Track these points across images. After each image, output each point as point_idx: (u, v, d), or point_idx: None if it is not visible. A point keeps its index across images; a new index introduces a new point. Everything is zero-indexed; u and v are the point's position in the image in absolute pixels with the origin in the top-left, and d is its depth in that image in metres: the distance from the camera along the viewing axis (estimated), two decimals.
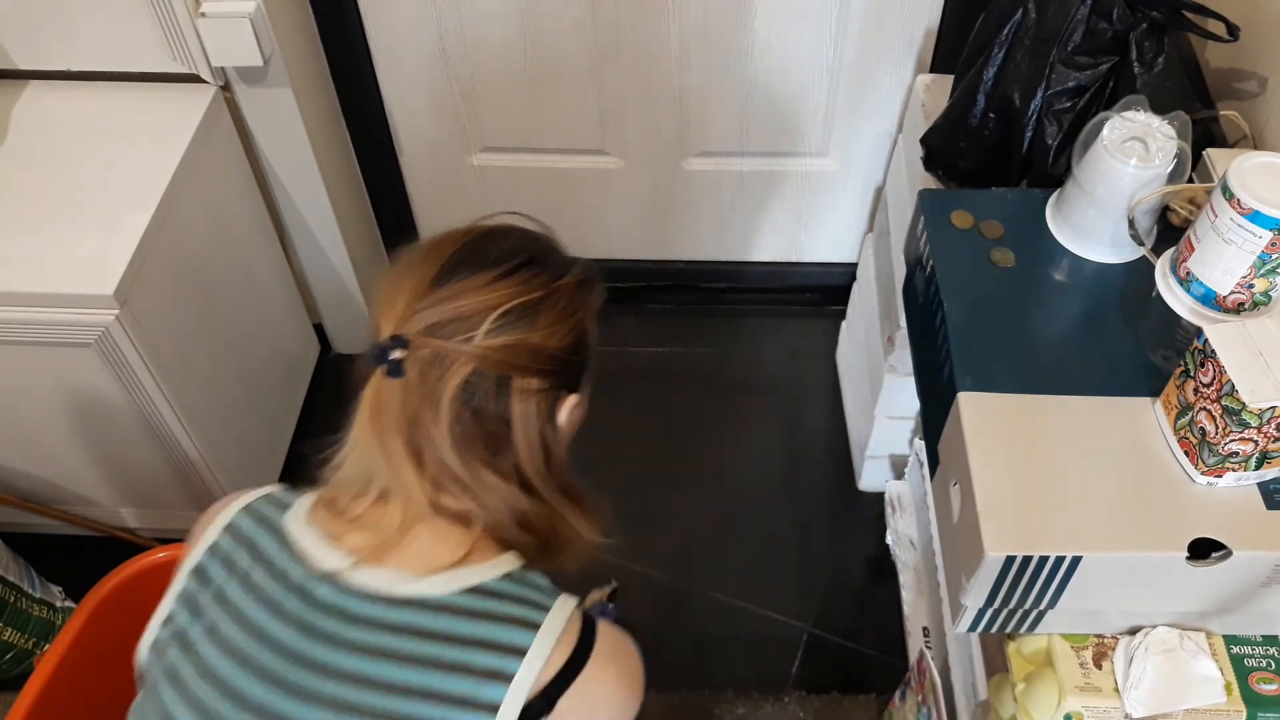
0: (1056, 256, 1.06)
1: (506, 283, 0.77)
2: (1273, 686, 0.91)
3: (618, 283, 2.02)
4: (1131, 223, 1.02)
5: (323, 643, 0.73)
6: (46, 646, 1.37)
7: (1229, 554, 0.84)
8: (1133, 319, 1.00)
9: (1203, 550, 0.84)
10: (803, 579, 1.64)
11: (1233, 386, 0.81)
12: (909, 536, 1.54)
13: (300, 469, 1.76)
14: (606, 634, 0.79)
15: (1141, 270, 1.04)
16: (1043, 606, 0.91)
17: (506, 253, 0.79)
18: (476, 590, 0.76)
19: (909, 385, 1.42)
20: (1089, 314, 1.02)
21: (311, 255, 1.73)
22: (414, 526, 0.77)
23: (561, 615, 0.76)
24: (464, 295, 0.75)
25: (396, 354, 0.74)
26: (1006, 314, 1.01)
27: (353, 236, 1.76)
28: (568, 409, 0.83)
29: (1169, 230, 1.07)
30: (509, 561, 0.79)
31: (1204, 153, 1.10)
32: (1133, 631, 0.94)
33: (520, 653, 0.72)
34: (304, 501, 0.82)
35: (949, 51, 1.56)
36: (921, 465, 1.43)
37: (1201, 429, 0.85)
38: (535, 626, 0.74)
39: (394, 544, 0.76)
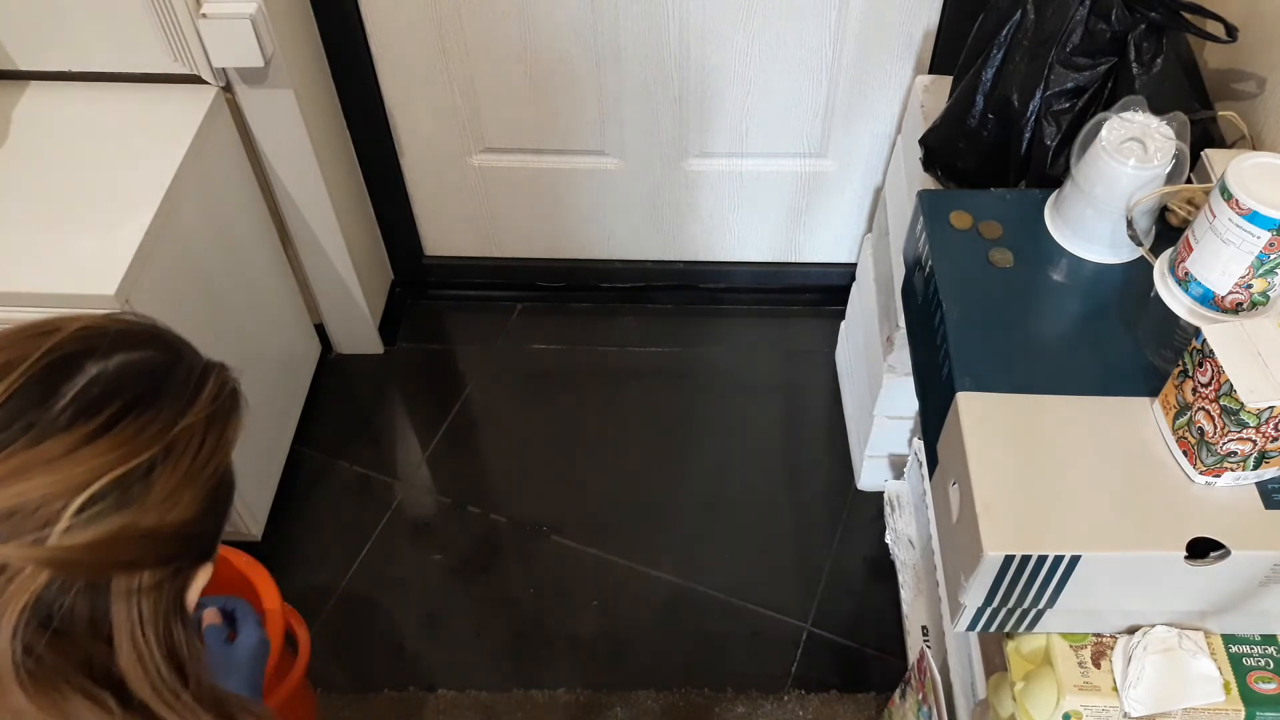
0: (1055, 257, 1.07)
1: (97, 447, 0.52)
2: (1271, 685, 0.91)
3: (618, 283, 2.02)
4: (1130, 223, 1.02)
5: None
6: None
7: (1227, 553, 0.84)
8: (1131, 319, 1.01)
9: (1201, 550, 0.85)
10: (802, 578, 1.64)
11: (1231, 386, 0.81)
12: (908, 536, 1.54)
13: (301, 470, 1.77)
14: None
15: (1140, 270, 1.05)
16: (1041, 606, 0.91)
17: (97, 393, 0.53)
18: None
19: (908, 385, 1.42)
20: (1087, 314, 1.02)
21: (313, 255, 1.73)
22: None
23: None
24: (25, 474, 0.50)
25: None
26: (1005, 314, 1.01)
27: (354, 237, 1.77)
28: (199, 586, 0.60)
29: (1167, 231, 1.07)
30: None
31: (1202, 153, 1.10)
32: (1131, 631, 0.94)
33: None
34: None
35: (948, 52, 1.56)
36: (920, 465, 1.44)
37: (1200, 429, 0.85)
38: None
39: None
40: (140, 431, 0.53)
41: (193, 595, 0.59)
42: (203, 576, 0.60)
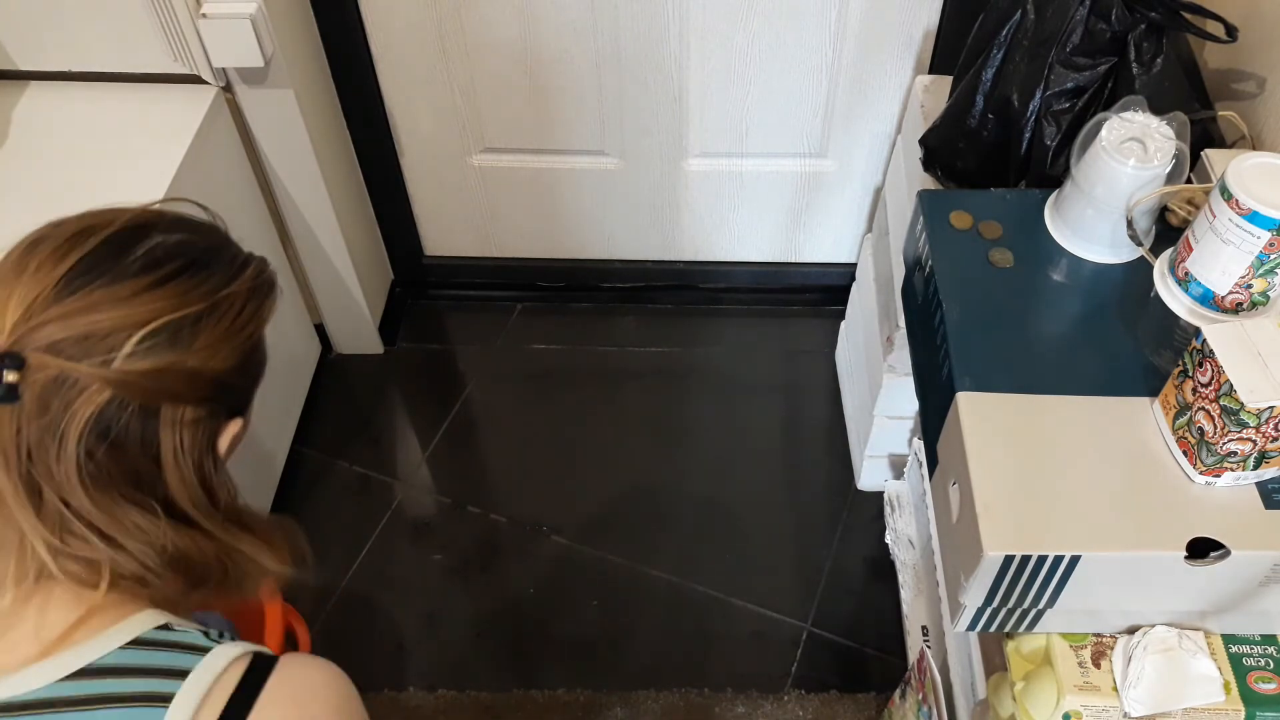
0: (1055, 257, 1.07)
1: (157, 294, 0.64)
2: (1271, 685, 0.91)
3: (618, 283, 2.02)
4: (1130, 223, 1.02)
5: None
6: None
7: (1227, 553, 0.84)
8: (1131, 319, 1.01)
9: (1201, 550, 0.85)
10: (802, 578, 1.64)
11: (1231, 386, 0.81)
12: (908, 536, 1.54)
13: (301, 470, 1.77)
14: (284, 677, 0.66)
15: (1140, 270, 1.05)
16: (1041, 606, 0.91)
17: (160, 255, 0.66)
18: (85, 672, 0.62)
19: (908, 385, 1.42)
20: (1087, 314, 1.02)
21: (313, 255, 1.73)
22: (26, 595, 0.64)
23: (208, 674, 0.64)
24: (100, 308, 0.62)
25: (8, 376, 0.60)
26: (1005, 314, 1.01)
27: (354, 237, 1.77)
28: (230, 436, 0.71)
29: (1167, 231, 1.07)
30: (142, 622, 0.66)
31: (1202, 153, 1.10)
32: (1131, 630, 0.94)
33: None
34: None
35: (948, 52, 1.56)
36: (920, 465, 1.44)
37: (1200, 429, 0.85)
38: (166, 700, 0.62)
39: None
40: (193, 289, 0.66)
41: (223, 443, 0.71)
42: (232, 429, 0.71)
